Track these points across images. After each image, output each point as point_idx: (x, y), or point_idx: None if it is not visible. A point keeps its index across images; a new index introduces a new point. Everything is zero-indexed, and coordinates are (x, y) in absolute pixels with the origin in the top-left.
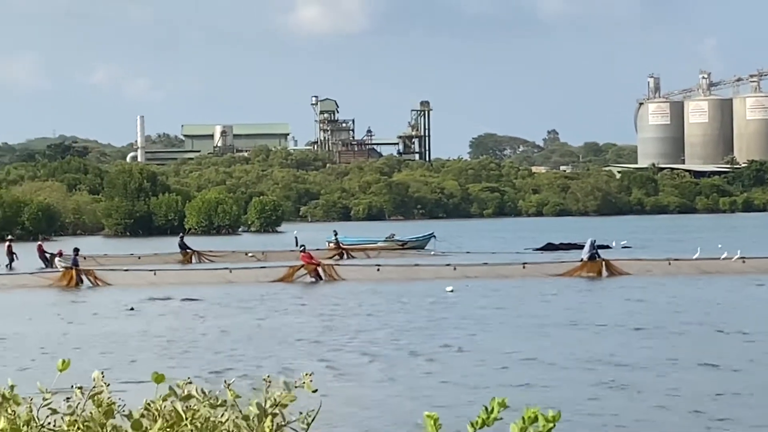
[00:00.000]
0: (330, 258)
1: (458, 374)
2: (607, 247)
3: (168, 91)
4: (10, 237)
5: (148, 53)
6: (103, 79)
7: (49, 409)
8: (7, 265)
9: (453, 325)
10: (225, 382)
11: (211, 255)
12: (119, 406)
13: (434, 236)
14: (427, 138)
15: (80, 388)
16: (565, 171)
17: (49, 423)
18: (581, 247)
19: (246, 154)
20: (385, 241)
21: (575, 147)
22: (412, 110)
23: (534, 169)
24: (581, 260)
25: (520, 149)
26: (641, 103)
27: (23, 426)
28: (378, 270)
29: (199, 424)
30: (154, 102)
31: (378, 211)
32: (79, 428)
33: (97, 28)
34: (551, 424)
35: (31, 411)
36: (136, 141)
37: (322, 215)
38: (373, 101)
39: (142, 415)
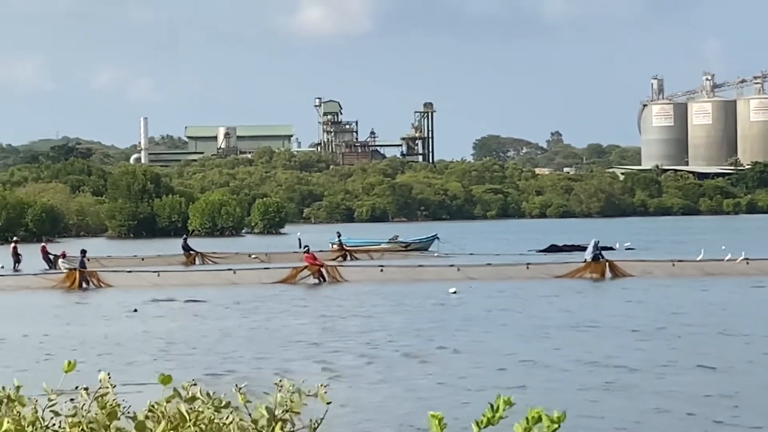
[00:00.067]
0: (333, 260)
1: (456, 376)
2: (611, 248)
3: (171, 92)
4: (15, 239)
5: (152, 55)
6: (107, 81)
7: (51, 411)
8: (12, 267)
9: (455, 327)
10: (236, 386)
11: (214, 257)
12: (124, 407)
13: (438, 238)
14: (430, 139)
15: (86, 389)
16: (568, 173)
17: (54, 424)
18: (584, 248)
19: (249, 155)
20: (388, 242)
21: (579, 149)
22: (416, 112)
23: (537, 170)
24: (584, 261)
25: (523, 151)
26: (645, 105)
27: (28, 427)
28: (381, 271)
29: (203, 426)
30: (158, 103)
31: (381, 212)
32: (83, 430)
33: (101, 30)
34: (556, 425)
35: (36, 412)
36: (140, 142)
37: (326, 217)
38: (376, 103)
39: (146, 417)
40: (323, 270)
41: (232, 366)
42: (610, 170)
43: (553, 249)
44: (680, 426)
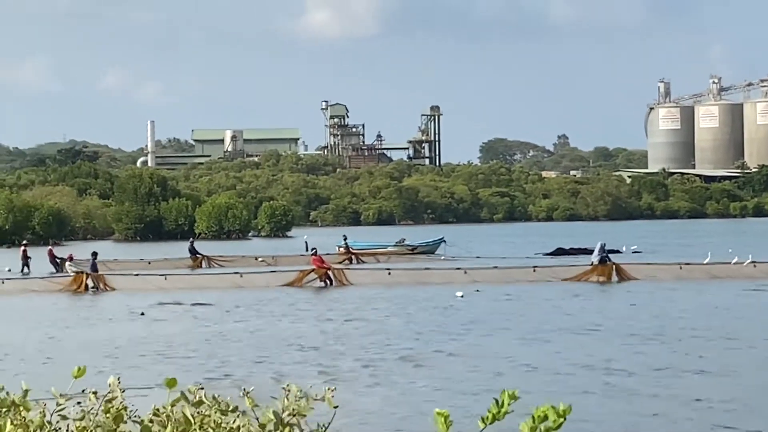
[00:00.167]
0: (339, 263)
1: (453, 380)
2: (618, 252)
3: (178, 95)
4: (25, 242)
5: (159, 58)
6: (114, 84)
7: (59, 414)
8: (21, 270)
9: (458, 331)
10: (243, 390)
11: (220, 260)
12: (131, 411)
13: (444, 241)
14: (437, 143)
15: (94, 393)
16: (575, 176)
17: (61, 429)
18: (591, 251)
19: (256, 158)
20: (395, 245)
21: (585, 152)
22: (423, 115)
23: (544, 173)
24: (591, 264)
25: (530, 154)
26: (651, 108)
27: (35, 431)
28: (389, 274)
29: (210, 430)
30: (165, 107)
31: (388, 215)
32: None
33: (108, 33)
34: (561, 419)
35: (43, 416)
36: (147, 146)
37: (332, 220)
38: (383, 106)
39: (151, 421)
40: (330, 273)
41: (231, 370)
42: (617, 173)
43: (559, 252)
44: (680, 430)
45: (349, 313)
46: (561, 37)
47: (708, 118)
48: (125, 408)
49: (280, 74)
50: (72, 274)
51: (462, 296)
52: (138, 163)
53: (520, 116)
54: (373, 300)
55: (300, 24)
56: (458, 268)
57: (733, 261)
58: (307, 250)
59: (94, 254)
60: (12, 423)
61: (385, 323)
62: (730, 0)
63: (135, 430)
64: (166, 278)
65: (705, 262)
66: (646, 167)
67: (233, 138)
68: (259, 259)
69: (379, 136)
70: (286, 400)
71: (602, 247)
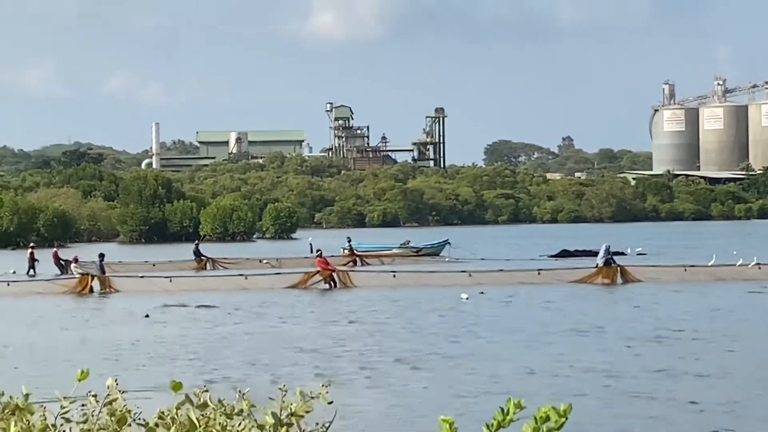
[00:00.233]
0: (344, 265)
1: (455, 382)
2: (622, 253)
3: (183, 97)
4: (32, 244)
5: (163, 60)
6: (119, 86)
7: (62, 417)
8: (27, 272)
9: (462, 333)
10: (239, 391)
11: (225, 262)
12: (134, 414)
13: (449, 243)
14: (441, 144)
15: (95, 396)
16: (579, 178)
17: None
18: (596, 253)
19: (261, 160)
20: (400, 247)
21: (590, 154)
22: (427, 117)
23: (549, 175)
24: (596, 266)
25: (534, 156)
26: (656, 110)
27: None
28: (393, 276)
29: None
30: (169, 109)
31: (393, 217)
32: None
33: (113, 35)
34: (563, 419)
35: (45, 419)
36: (151, 148)
37: (337, 222)
38: (387, 108)
39: (157, 424)
40: (334, 275)
41: (231, 372)
42: (622, 175)
43: (564, 254)
44: None
45: (353, 315)
46: (565, 38)
47: (713, 120)
48: (129, 411)
49: (284, 76)
50: (77, 276)
51: (467, 298)
52: (143, 165)
53: (524, 118)
54: (377, 302)
55: (305, 26)
56: (463, 271)
57: (738, 263)
58: (311, 252)
59: (101, 256)
60: (16, 425)
61: (389, 326)
62: (734, 2)
63: None
64: (171, 280)
65: (710, 264)
66: (651, 169)
67: (238, 140)
68: (264, 261)
69: (383, 137)
70: (282, 400)
71: (607, 249)
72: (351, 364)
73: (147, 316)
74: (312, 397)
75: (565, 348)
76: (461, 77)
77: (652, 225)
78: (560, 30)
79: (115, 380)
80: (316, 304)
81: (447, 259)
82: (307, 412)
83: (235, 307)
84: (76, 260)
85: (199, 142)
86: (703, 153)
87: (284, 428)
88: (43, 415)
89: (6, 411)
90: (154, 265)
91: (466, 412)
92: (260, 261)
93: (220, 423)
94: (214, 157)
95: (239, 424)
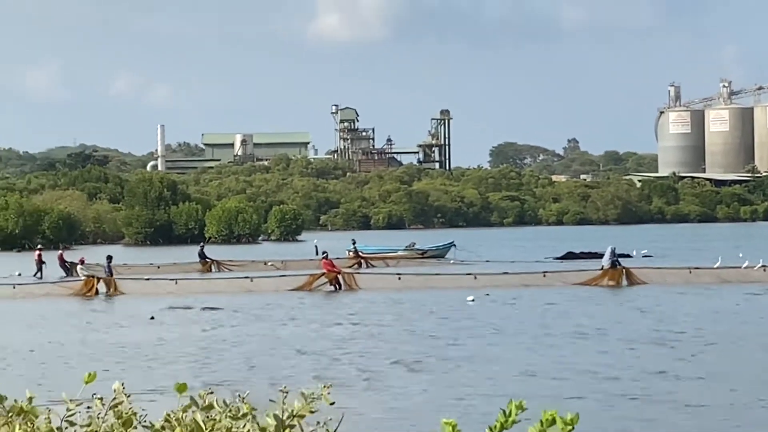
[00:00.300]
0: (349, 267)
1: (458, 385)
2: (628, 256)
3: (188, 99)
4: (40, 246)
5: (169, 62)
6: (124, 88)
7: (66, 421)
8: (35, 274)
9: (463, 336)
10: (239, 395)
11: (230, 264)
12: (140, 416)
13: (454, 245)
14: (447, 147)
15: (101, 398)
16: (585, 180)
17: None
18: (601, 255)
19: (266, 162)
20: (405, 249)
21: (595, 156)
22: (432, 119)
23: (554, 177)
24: (601, 268)
25: (540, 158)
26: (662, 112)
27: None
28: (399, 279)
29: None
30: (175, 111)
31: (398, 219)
32: None
33: (118, 37)
34: (570, 427)
35: (50, 422)
36: (157, 150)
37: (342, 224)
38: (393, 110)
39: (163, 427)
40: (339, 277)
41: (229, 374)
42: (627, 177)
43: (570, 256)
44: None
45: (357, 317)
46: (571, 40)
47: (718, 122)
48: (135, 413)
49: (290, 78)
50: (83, 278)
51: (473, 300)
52: (148, 167)
53: (530, 120)
54: (382, 304)
55: (310, 28)
56: (468, 273)
57: (744, 265)
58: (317, 254)
59: (109, 258)
60: (20, 428)
61: (392, 328)
62: (740, 3)
63: None
64: (176, 283)
65: (715, 266)
66: (657, 171)
67: (243, 142)
68: (269, 264)
69: (389, 140)
70: (284, 402)
71: (613, 252)
72: (352, 366)
73: (152, 318)
74: (314, 399)
75: (569, 350)
76: (466, 79)
77: (658, 227)
78: (565, 31)
79: (122, 383)
80: (321, 307)
81: (452, 262)
82: (312, 412)
83: (240, 309)
84: (82, 262)
85: (205, 144)
86: (709, 155)
87: (287, 430)
88: (48, 418)
89: (10, 414)
90: (158, 267)
91: (464, 415)
92: (265, 263)
93: (225, 425)
94: (219, 159)
95: (243, 426)
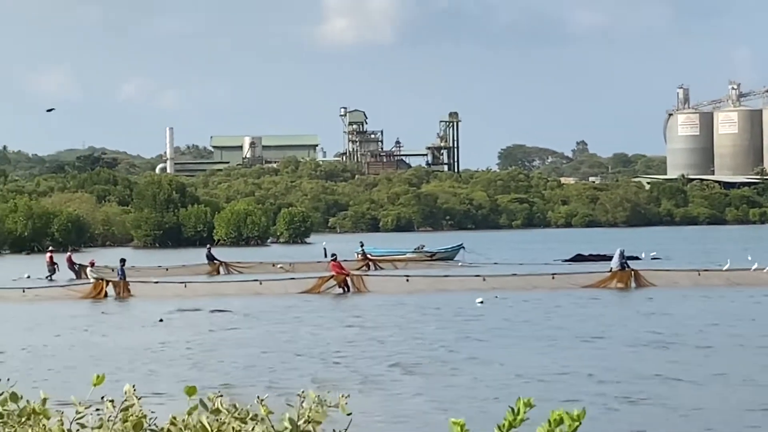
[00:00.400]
0: (357, 269)
1: (461, 387)
2: (637, 258)
3: (197, 102)
4: (51, 248)
5: (178, 65)
6: (133, 91)
7: (77, 423)
8: (47, 276)
9: (471, 338)
10: (258, 397)
11: (238, 266)
12: (150, 419)
13: (463, 247)
14: (455, 149)
15: (111, 401)
16: (594, 182)
17: None
18: (610, 258)
19: (275, 165)
20: (413, 252)
21: (604, 158)
22: (441, 121)
23: (563, 180)
24: (610, 270)
25: (548, 160)
26: (670, 114)
27: None
28: (407, 281)
29: None
30: (184, 113)
31: (407, 222)
32: None
33: (127, 40)
34: (577, 423)
35: (62, 424)
36: (165, 152)
37: (351, 226)
38: (401, 112)
39: (169, 429)
40: (348, 280)
41: (231, 376)
42: (636, 179)
43: (578, 259)
44: None
45: (364, 320)
46: (579, 42)
47: (727, 124)
48: (145, 416)
49: (298, 81)
50: (92, 280)
51: (482, 302)
52: (157, 170)
53: (538, 122)
54: (390, 307)
55: (319, 31)
56: (477, 275)
57: (753, 267)
58: (325, 256)
59: (122, 261)
60: (32, 429)
61: (400, 330)
62: (749, 6)
63: None
64: (185, 285)
65: (724, 268)
66: (665, 173)
67: (252, 144)
68: (278, 266)
69: (397, 142)
70: (301, 407)
71: (621, 254)
72: (354, 367)
73: (161, 320)
74: (330, 406)
75: (573, 353)
76: (475, 81)
77: (667, 229)
78: (574, 34)
79: (133, 386)
80: (329, 309)
81: (461, 264)
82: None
83: (249, 312)
84: (92, 264)
85: (213, 147)
86: (718, 157)
87: None
88: (60, 420)
89: (22, 416)
90: (167, 269)
91: (464, 416)
92: (273, 265)
93: (233, 428)
94: (228, 162)
95: (253, 429)
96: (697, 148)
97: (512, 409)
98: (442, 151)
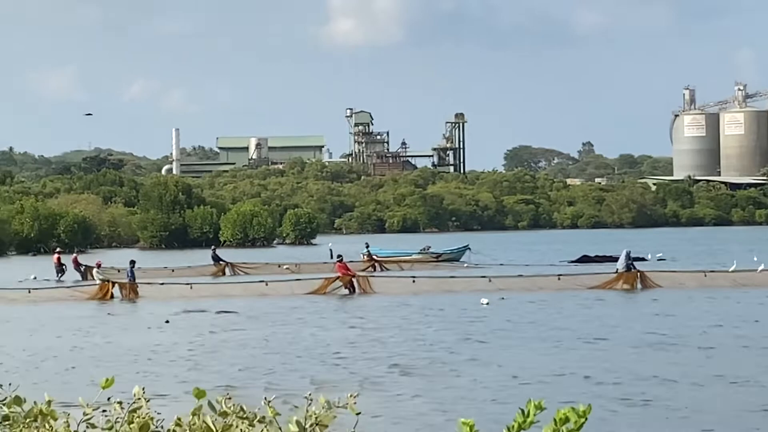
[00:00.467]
0: (363, 270)
1: (464, 388)
2: (643, 259)
3: (203, 103)
4: (59, 249)
5: (184, 66)
6: (139, 92)
7: (87, 423)
8: (58, 277)
9: (470, 340)
10: (265, 399)
11: (244, 267)
12: (157, 421)
13: (469, 248)
14: (461, 150)
15: (120, 403)
16: (600, 183)
17: None
18: (616, 259)
19: (281, 166)
20: (419, 253)
21: (610, 159)
22: (447, 122)
23: (569, 181)
24: (616, 271)
25: (554, 161)
26: (677, 115)
27: None
28: (413, 282)
29: None
30: (190, 114)
31: (412, 223)
32: None
33: (133, 41)
34: (583, 419)
35: (68, 426)
36: (172, 153)
37: (357, 227)
38: (407, 113)
39: (174, 431)
40: (354, 281)
41: (228, 379)
42: (642, 181)
43: (584, 260)
44: None
45: (369, 321)
46: (585, 44)
47: (733, 125)
48: (152, 418)
49: (304, 82)
50: (98, 281)
51: (487, 303)
52: (163, 171)
53: (544, 123)
54: (394, 308)
55: (324, 32)
56: (483, 276)
57: (759, 269)
58: (331, 257)
59: (132, 263)
60: (38, 431)
61: (404, 331)
62: (754, 6)
63: None
64: (191, 287)
65: (730, 269)
66: (671, 174)
67: (258, 146)
68: (284, 267)
69: (403, 143)
70: (309, 408)
71: (628, 255)
72: (355, 369)
73: (167, 321)
74: (339, 407)
75: (576, 354)
76: (481, 82)
77: (673, 230)
78: (580, 35)
79: (142, 388)
80: (334, 310)
81: (467, 265)
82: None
83: (255, 313)
84: (98, 266)
85: (219, 148)
86: (724, 158)
87: None
88: (67, 421)
89: (29, 418)
90: (173, 270)
91: (465, 418)
92: (279, 266)
93: (242, 430)
94: (234, 163)
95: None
96: (704, 149)
97: (522, 411)
98: (447, 152)
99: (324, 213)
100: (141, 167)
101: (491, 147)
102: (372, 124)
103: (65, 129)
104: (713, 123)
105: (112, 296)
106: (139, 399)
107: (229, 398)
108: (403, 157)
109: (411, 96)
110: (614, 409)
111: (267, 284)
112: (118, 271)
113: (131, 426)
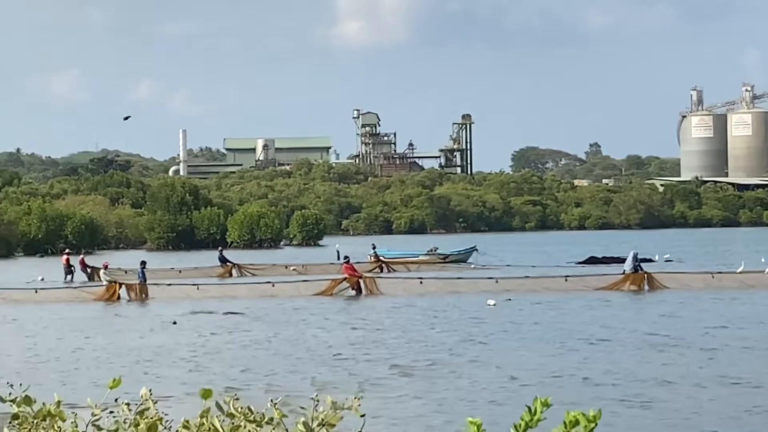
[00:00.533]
0: (370, 271)
1: (466, 389)
2: (650, 260)
3: (210, 104)
4: (68, 250)
5: (191, 67)
6: (146, 94)
7: (93, 425)
8: (68, 279)
9: (473, 341)
10: (272, 400)
11: (251, 268)
12: (166, 422)
13: (476, 250)
14: (468, 151)
15: (127, 404)
16: (607, 184)
17: None
18: (624, 260)
19: (288, 167)
20: (426, 254)
21: (618, 160)
22: (454, 123)
23: (576, 182)
24: (623, 273)
25: (562, 162)
26: (684, 116)
27: None
28: (420, 283)
29: None
30: (197, 116)
31: (420, 224)
32: None
33: (140, 43)
34: (593, 424)
35: (76, 426)
36: (179, 155)
37: (364, 229)
38: (414, 114)
39: None
40: (360, 282)
41: (228, 380)
42: (650, 182)
43: (592, 261)
44: None
45: (372, 322)
46: (593, 45)
47: (741, 126)
48: (161, 419)
49: (311, 83)
50: (105, 282)
51: (494, 304)
52: (170, 172)
53: (551, 124)
54: (399, 309)
55: (332, 33)
56: (490, 277)
57: (767, 270)
58: (338, 258)
59: (143, 263)
60: (46, 431)
61: (405, 333)
62: (762, 7)
63: None
64: (198, 288)
65: (738, 271)
66: (679, 175)
67: (265, 147)
68: (291, 268)
69: (410, 144)
70: (315, 410)
71: (635, 257)
72: (358, 371)
73: (174, 323)
74: (344, 408)
75: (579, 355)
76: (488, 84)
77: (680, 231)
78: (587, 36)
79: (149, 390)
80: (338, 311)
81: (474, 266)
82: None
83: (262, 314)
84: (105, 267)
85: (226, 149)
86: (732, 159)
87: None
88: (74, 422)
89: (37, 419)
90: (180, 271)
91: (465, 419)
92: (286, 267)
93: (249, 431)
94: (241, 164)
95: None
96: (711, 150)
97: (529, 409)
98: (455, 153)
99: (331, 214)
100: (148, 168)
101: (498, 148)
102: (379, 125)
103: (72, 130)
104: (721, 124)
105: (119, 297)
106: (147, 400)
107: (237, 399)
108: (410, 158)
109: (418, 97)
110: (616, 410)
111: (274, 285)
112: (125, 272)
113: (138, 428)
